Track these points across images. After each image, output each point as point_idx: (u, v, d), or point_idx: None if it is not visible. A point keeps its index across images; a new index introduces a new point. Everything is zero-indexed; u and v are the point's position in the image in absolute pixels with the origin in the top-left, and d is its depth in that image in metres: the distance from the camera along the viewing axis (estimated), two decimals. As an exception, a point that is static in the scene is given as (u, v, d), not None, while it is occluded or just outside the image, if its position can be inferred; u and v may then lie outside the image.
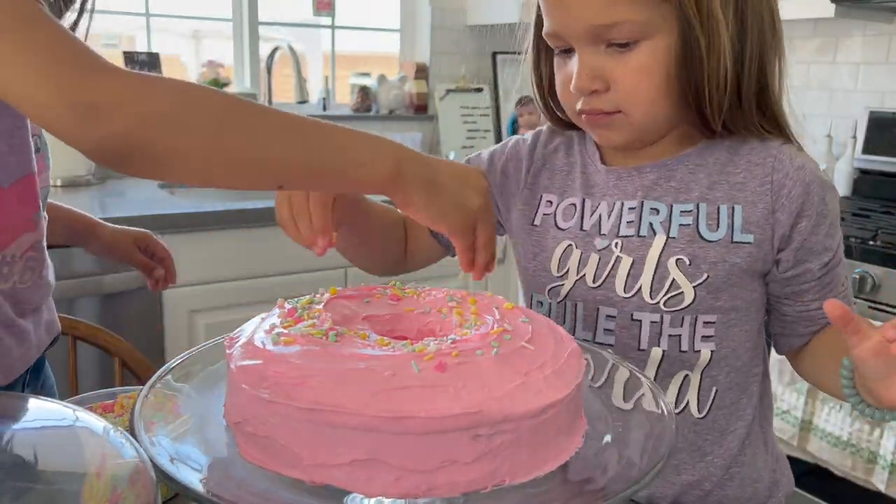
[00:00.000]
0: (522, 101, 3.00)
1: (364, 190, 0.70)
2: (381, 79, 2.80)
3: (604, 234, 0.79)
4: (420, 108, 2.86)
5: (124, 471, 0.47)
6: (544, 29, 0.76)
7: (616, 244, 0.78)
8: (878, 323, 1.84)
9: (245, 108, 0.60)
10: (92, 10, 0.91)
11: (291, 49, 2.34)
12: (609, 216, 0.80)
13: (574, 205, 0.83)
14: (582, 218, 0.82)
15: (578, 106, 0.76)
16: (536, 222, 0.85)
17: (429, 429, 0.47)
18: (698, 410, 0.78)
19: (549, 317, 0.82)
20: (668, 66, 0.71)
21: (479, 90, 2.90)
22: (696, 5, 0.69)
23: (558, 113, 0.84)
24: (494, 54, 2.94)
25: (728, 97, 0.72)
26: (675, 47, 0.70)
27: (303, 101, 2.38)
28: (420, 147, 2.80)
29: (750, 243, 0.75)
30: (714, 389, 0.78)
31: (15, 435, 0.53)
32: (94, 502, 0.45)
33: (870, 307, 1.78)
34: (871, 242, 1.82)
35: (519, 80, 0.92)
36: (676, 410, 0.78)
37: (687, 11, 0.69)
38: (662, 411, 0.59)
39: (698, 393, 0.78)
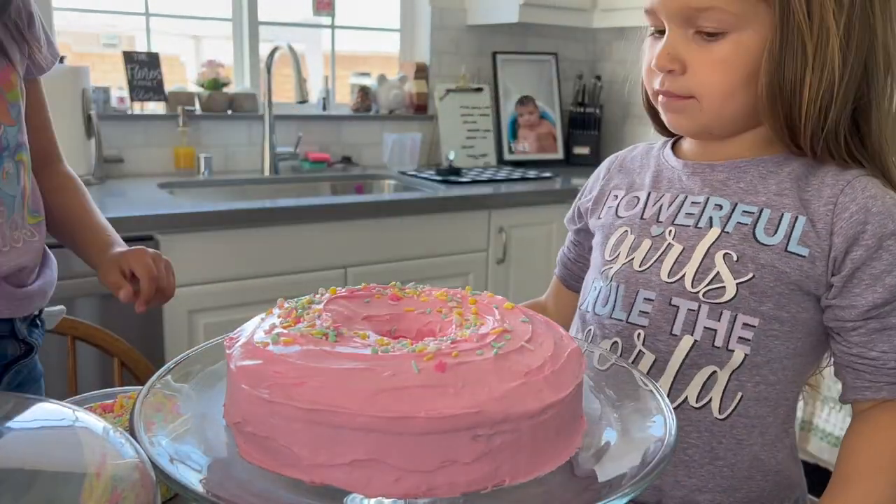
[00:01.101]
0: (523, 101, 3.00)
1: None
2: (381, 79, 2.80)
3: (660, 222, 0.80)
4: (420, 108, 2.86)
5: (124, 471, 0.47)
6: (644, 4, 0.76)
7: (670, 231, 0.79)
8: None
9: None
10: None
11: (291, 49, 2.34)
12: (670, 206, 0.81)
13: (637, 197, 0.85)
14: (644, 208, 0.83)
15: (655, 84, 0.76)
16: (601, 216, 0.88)
17: (429, 429, 0.47)
18: (719, 411, 0.76)
19: (597, 299, 0.84)
20: (753, 64, 0.70)
21: (479, 90, 2.90)
22: (808, 9, 0.67)
23: (659, 118, 0.84)
24: (494, 54, 2.94)
25: (821, 113, 0.70)
26: (772, 47, 0.69)
27: (303, 101, 2.38)
28: (420, 147, 2.80)
29: (803, 257, 0.72)
30: (739, 395, 0.76)
31: (15, 435, 0.53)
32: (94, 502, 0.45)
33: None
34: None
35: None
36: (698, 405, 0.76)
37: (795, 13, 0.67)
38: (665, 414, 0.59)
39: (723, 393, 0.76)
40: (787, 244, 0.73)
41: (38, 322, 1.03)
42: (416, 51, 2.94)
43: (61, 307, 1.11)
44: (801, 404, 1.83)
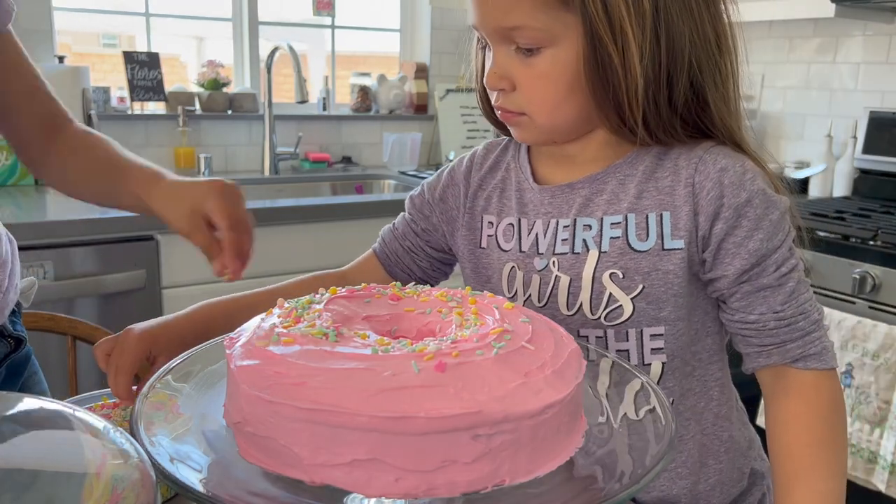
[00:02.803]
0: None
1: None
2: (381, 79, 2.80)
3: (542, 254, 0.80)
4: (420, 108, 2.86)
5: (124, 471, 0.47)
6: (469, 19, 0.78)
7: (553, 263, 0.78)
8: (879, 324, 1.85)
9: None
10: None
11: (291, 49, 2.34)
12: (545, 235, 0.80)
13: (512, 225, 0.83)
14: (520, 239, 0.82)
15: (493, 101, 0.78)
16: (483, 245, 0.85)
17: (429, 429, 0.47)
18: None
19: None
20: (573, 74, 0.71)
21: (479, 90, 2.90)
22: (608, 21, 0.68)
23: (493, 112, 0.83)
24: (494, 54, 2.94)
25: (650, 108, 0.71)
26: (584, 58, 0.70)
27: (303, 101, 2.38)
28: (420, 147, 2.80)
29: (681, 249, 0.74)
30: (671, 399, 0.78)
31: (15, 435, 0.53)
32: (94, 502, 0.45)
33: (870, 307, 1.79)
34: (871, 242, 1.82)
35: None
36: (640, 418, 0.77)
37: (595, 26, 0.68)
38: (661, 415, 0.59)
39: None
40: (663, 243, 0.74)
41: (16, 311, 0.98)
42: (416, 51, 2.94)
43: (31, 279, 1.04)
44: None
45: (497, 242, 0.84)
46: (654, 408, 0.60)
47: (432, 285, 0.94)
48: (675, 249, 0.74)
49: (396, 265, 0.94)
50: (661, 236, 0.74)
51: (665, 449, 0.54)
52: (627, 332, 0.76)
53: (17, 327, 0.98)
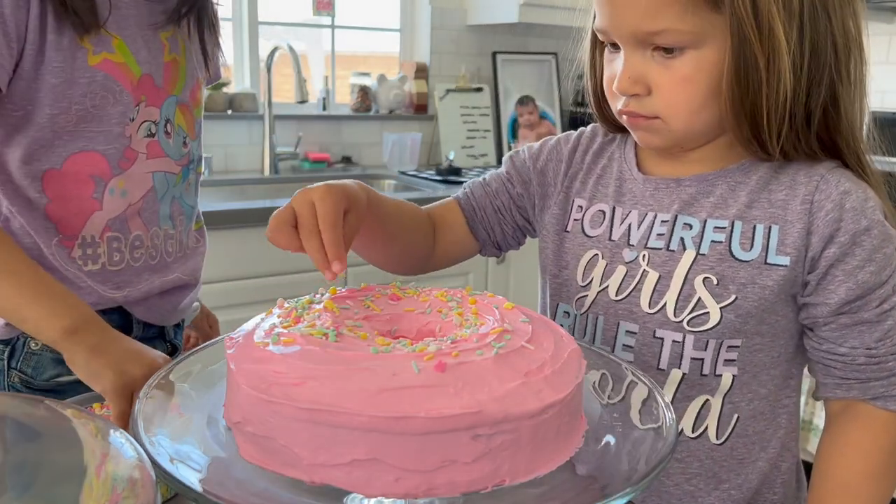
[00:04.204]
0: (523, 101, 3.00)
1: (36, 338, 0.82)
2: (381, 79, 2.80)
3: (632, 246, 0.77)
4: (420, 108, 2.86)
5: (124, 471, 0.47)
6: (595, 23, 0.74)
7: (644, 257, 0.76)
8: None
9: None
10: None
11: (291, 49, 2.34)
12: (639, 227, 0.77)
13: (603, 212, 0.80)
14: (611, 227, 0.79)
15: (619, 105, 0.74)
16: (569, 228, 0.83)
17: (429, 429, 0.47)
18: (717, 437, 0.75)
19: (573, 329, 0.81)
20: (716, 78, 0.68)
21: (479, 90, 2.90)
22: (756, 23, 0.65)
23: (610, 117, 0.81)
24: (494, 54, 2.94)
25: (788, 120, 0.69)
26: (728, 61, 0.67)
27: (303, 101, 2.38)
28: (420, 147, 2.79)
29: (785, 266, 0.71)
30: (736, 416, 0.75)
31: (15, 435, 0.53)
32: (94, 502, 0.45)
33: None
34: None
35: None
36: (694, 435, 0.75)
37: (745, 28, 0.65)
38: (662, 420, 0.59)
39: (718, 419, 0.75)
40: (766, 256, 0.71)
41: (181, 322, 1.06)
42: (416, 51, 2.93)
43: (196, 304, 1.14)
44: (801, 404, 1.84)
45: (582, 228, 0.81)
46: (657, 411, 0.60)
47: (502, 250, 0.91)
48: (777, 266, 0.71)
49: (480, 222, 0.89)
50: (765, 249, 0.71)
51: (667, 451, 0.54)
52: (708, 342, 0.73)
53: (178, 335, 1.04)
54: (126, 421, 0.65)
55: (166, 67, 0.90)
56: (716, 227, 0.73)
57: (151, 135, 0.90)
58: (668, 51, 0.68)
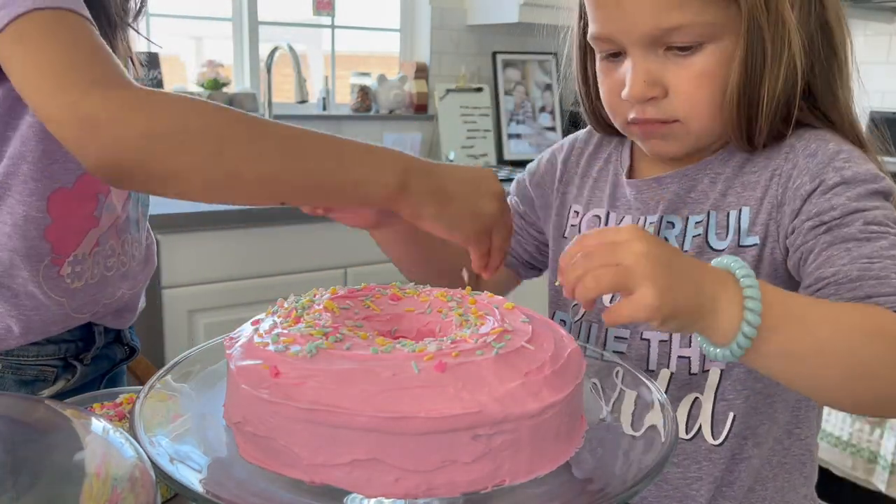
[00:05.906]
0: (523, 101, 3.00)
1: (369, 205, 0.67)
2: (381, 79, 2.80)
3: None
4: (420, 108, 2.86)
5: (124, 471, 0.47)
6: (591, 31, 0.71)
7: None
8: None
9: (246, 125, 0.60)
10: (137, 16, 0.87)
11: (291, 49, 2.34)
12: None
13: (598, 216, 0.80)
14: None
15: (631, 115, 0.70)
16: (566, 234, 0.83)
17: (429, 429, 0.47)
18: (713, 437, 0.73)
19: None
20: (731, 71, 0.66)
21: (479, 90, 2.90)
22: (767, 10, 0.63)
23: (606, 121, 0.79)
24: (494, 54, 2.94)
25: (782, 110, 0.67)
26: (741, 51, 0.65)
27: (303, 101, 2.38)
28: (420, 147, 2.80)
29: (755, 245, 0.68)
30: (731, 415, 0.73)
31: (15, 435, 0.53)
32: (94, 502, 0.45)
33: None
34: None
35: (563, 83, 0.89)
36: (688, 437, 0.74)
37: (758, 15, 0.63)
38: (664, 417, 0.59)
39: (712, 418, 0.73)
40: (739, 239, 0.69)
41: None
42: (416, 51, 2.94)
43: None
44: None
45: (579, 233, 0.80)
46: (657, 412, 0.60)
47: (536, 269, 0.91)
48: (749, 246, 0.68)
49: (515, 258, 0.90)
50: (738, 233, 0.69)
51: (666, 452, 0.54)
52: (692, 339, 0.71)
53: (133, 337, 1.02)
54: (487, 260, 0.68)
55: None
56: (696, 223, 0.72)
57: None
58: (683, 49, 0.66)
